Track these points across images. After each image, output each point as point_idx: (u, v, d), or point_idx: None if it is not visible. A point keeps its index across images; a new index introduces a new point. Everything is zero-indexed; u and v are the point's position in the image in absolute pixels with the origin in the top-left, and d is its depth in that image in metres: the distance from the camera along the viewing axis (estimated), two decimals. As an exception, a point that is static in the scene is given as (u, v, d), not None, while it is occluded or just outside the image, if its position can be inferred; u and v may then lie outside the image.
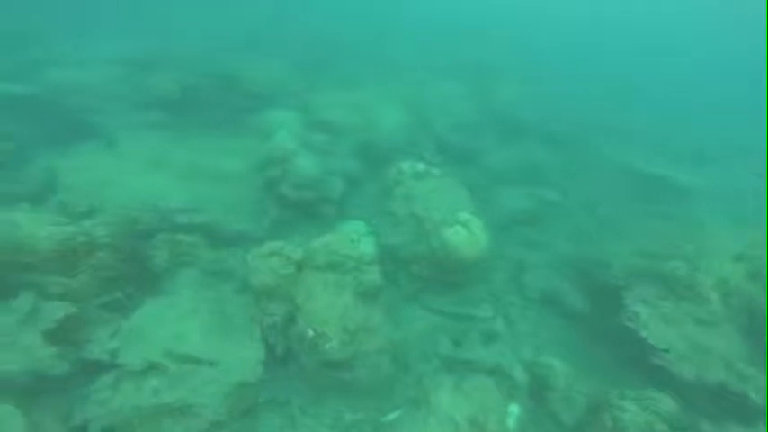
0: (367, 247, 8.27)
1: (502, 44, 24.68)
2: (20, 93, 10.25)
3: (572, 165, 15.29)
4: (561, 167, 14.88)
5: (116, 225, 6.69)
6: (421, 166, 10.49)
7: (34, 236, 5.66)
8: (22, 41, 13.70)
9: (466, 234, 8.52)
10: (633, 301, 7.74)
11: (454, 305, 8.74)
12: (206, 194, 8.60)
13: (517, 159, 14.71)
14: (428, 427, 5.93)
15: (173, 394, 4.90)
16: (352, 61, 18.25)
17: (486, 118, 16.11)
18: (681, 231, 9.49)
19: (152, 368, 5.12)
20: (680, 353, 6.91)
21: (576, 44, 32.55)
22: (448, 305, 8.72)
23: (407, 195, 9.72)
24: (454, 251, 8.40)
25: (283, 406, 6.04)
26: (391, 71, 17.60)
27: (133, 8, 19.09)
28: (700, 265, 8.12)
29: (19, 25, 15.36)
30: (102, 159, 8.53)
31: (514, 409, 6.33)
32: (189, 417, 4.85)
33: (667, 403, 6.13)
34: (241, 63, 13.48)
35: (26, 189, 7.58)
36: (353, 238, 8.69)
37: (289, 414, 5.94)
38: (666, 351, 6.92)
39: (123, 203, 7.34)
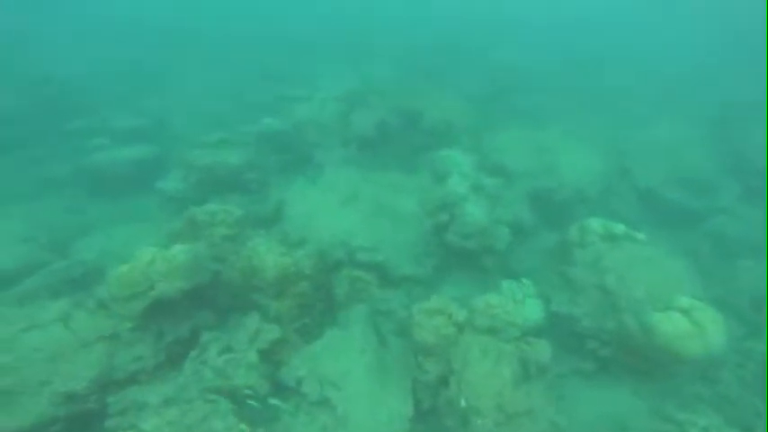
0: (533, 311, 7.87)
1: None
2: (275, 127, 13.33)
3: None
4: None
5: (316, 257, 8.16)
6: (619, 228, 8.83)
7: (265, 263, 7.38)
8: (285, 82, 17.81)
9: (688, 325, 6.87)
10: None
11: (649, 399, 7.34)
12: (383, 234, 9.55)
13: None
14: None
15: (335, 437, 5.69)
16: (537, 94, 17.03)
17: (729, 169, 12.70)
18: None
19: (324, 403, 6.13)
20: None
21: None
22: (639, 398, 7.38)
23: (595, 261, 8.41)
24: (665, 342, 6.87)
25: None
26: (589, 106, 15.77)
27: (349, 51, 22.56)
28: None
29: (284, 67, 20.08)
30: (312, 192, 10.51)
31: None
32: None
33: None
34: (423, 97, 14.13)
35: (264, 213, 9.97)
36: (518, 299, 8.38)
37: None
38: None
39: (322, 237, 8.93)
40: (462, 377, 6.40)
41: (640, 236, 8.70)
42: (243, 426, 5.24)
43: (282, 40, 25.27)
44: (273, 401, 5.88)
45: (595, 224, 8.96)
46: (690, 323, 6.84)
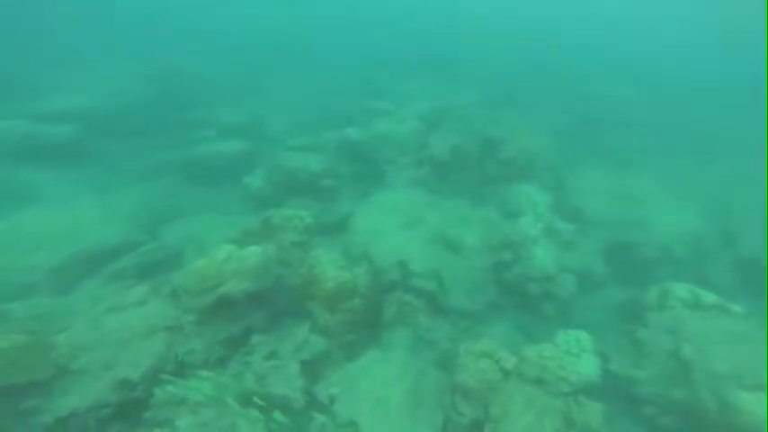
0: (587, 367, 7.19)
1: None
2: (355, 137, 13.66)
3: None
4: None
5: (372, 276, 8.14)
6: (709, 297, 8.04)
7: (325, 273, 7.53)
8: (374, 95, 18.26)
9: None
10: None
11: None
12: (441, 262, 9.26)
13: None
14: None
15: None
16: (630, 131, 15.30)
17: None
18: None
19: (351, 425, 6.06)
20: None
21: None
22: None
23: (673, 328, 7.69)
24: (750, 423, 6.14)
25: None
26: (689, 150, 13.77)
27: (439, 71, 22.44)
28: None
29: (377, 82, 20.58)
30: (378, 210, 10.55)
31: None
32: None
33: None
34: (504, 125, 13.51)
35: (331, 222, 10.19)
36: (573, 352, 7.66)
37: None
38: None
39: (381, 256, 8.90)
40: (499, 426, 5.99)
41: (736, 308, 7.85)
42: None
43: (380, 56, 26.03)
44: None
45: (680, 290, 8.25)
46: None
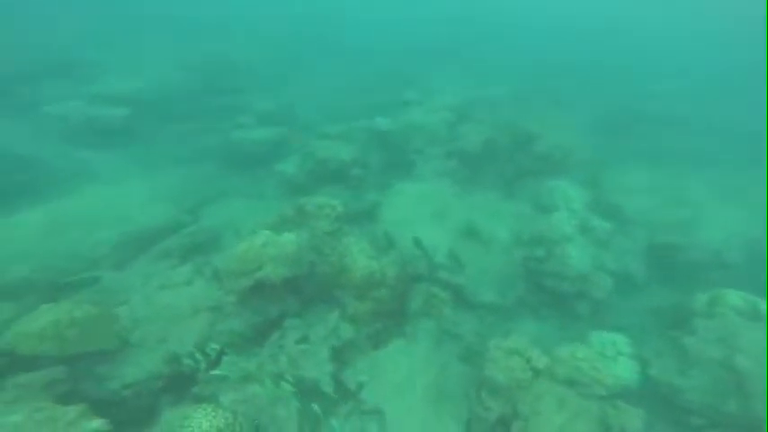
0: (625, 371, 6.98)
1: None
2: (385, 127, 13.52)
3: None
4: None
5: (399, 266, 8.06)
6: (764, 306, 7.42)
7: (355, 263, 7.55)
8: (407, 86, 17.98)
9: None
10: None
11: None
12: (468, 255, 9.08)
13: None
14: None
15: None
16: (671, 130, 14.28)
17: None
18: None
19: (376, 413, 6.11)
20: None
21: None
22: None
23: (725, 336, 7.18)
24: None
25: None
26: (739, 151, 12.67)
27: (474, 63, 21.75)
28: None
29: (412, 73, 20.21)
30: (405, 200, 10.43)
31: None
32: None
33: None
34: (540, 119, 13.00)
35: (361, 211, 10.16)
36: (609, 355, 7.36)
37: None
38: None
39: (408, 247, 8.79)
40: (529, 424, 5.85)
41: None
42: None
43: (409, 50, 25.55)
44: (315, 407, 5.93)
45: (734, 297, 7.64)
46: None
